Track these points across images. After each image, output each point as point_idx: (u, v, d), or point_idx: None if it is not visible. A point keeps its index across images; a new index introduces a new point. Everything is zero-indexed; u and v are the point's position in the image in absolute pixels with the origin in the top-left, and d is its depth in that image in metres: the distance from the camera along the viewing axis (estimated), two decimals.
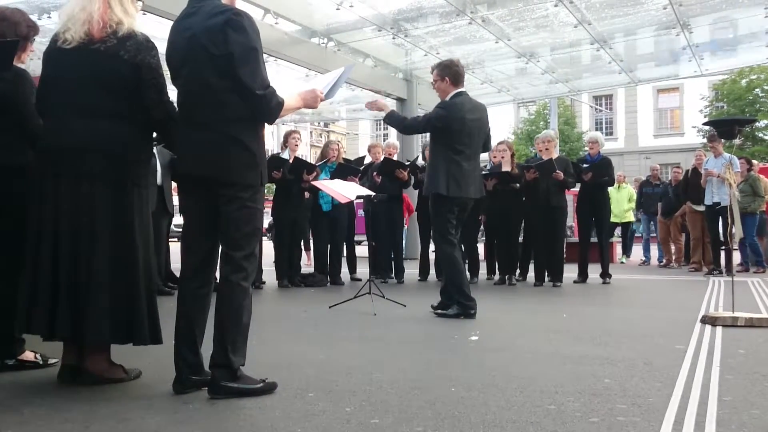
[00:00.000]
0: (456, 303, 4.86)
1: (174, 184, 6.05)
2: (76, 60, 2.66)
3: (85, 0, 2.69)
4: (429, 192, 4.96)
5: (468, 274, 6.57)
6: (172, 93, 2.77)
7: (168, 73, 2.75)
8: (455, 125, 4.84)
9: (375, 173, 7.66)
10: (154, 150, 5.65)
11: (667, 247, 11.04)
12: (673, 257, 10.96)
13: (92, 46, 2.65)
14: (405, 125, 5.31)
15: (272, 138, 29.40)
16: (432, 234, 5.22)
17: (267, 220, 9.32)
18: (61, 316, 2.59)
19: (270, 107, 2.61)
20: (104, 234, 2.63)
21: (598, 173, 7.67)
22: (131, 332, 2.67)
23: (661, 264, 11.09)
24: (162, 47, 2.76)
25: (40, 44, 3.30)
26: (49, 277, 2.61)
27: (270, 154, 7.19)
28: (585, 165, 7.86)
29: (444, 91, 4.99)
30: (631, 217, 11.94)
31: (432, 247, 8.20)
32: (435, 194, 4.89)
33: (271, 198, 7.59)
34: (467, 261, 7.23)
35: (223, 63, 2.53)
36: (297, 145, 7.45)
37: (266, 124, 2.77)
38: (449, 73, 4.96)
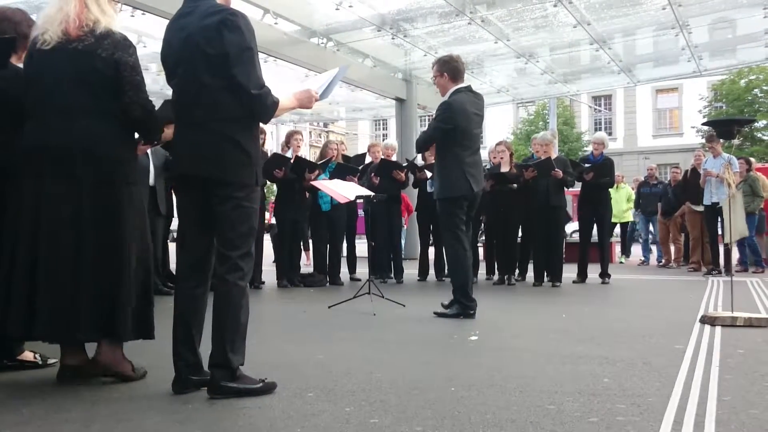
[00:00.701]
0: (456, 302, 4.86)
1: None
2: (55, 60, 2.67)
3: (62, 0, 2.70)
4: (443, 195, 4.91)
5: None
6: (168, 92, 2.77)
7: (164, 72, 2.75)
8: (461, 121, 4.85)
9: (373, 174, 7.66)
10: (147, 150, 5.64)
11: (666, 247, 11.03)
12: (673, 257, 10.96)
13: (70, 46, 2.66)
14: (419, 144, 5.30)
15: (272, 139, 29.40)
16: (441, 231, 5.24)
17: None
18: (41, 316, 2.58)
19: (265, 106, 2.62)
20: (89, 233, 2.63)
21: (599, 173, 7.67)
22: (112, 327, 2.66)
23: (660, 264, 11.09)
24: (159, 47, 2.76)
25: None
26: (29, 278, 2.60)
27: (272, 153, 7.19)
28: (587, 165, 7.85)
29: (444, 87, 5.02)
30: (630, 217, 11.94)
31: (431, 247, 8.26)
32: (451, 197, 4.88)
33: (273, 198, 7.58)
34: None
35: (218, 62, 2.53)
36: (299, 146, 7.45)
37: (262, 124, 2.77)
38: (448, 68, 4.97)
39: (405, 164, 7.96)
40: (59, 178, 2.64)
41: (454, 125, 4.84)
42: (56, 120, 2.66)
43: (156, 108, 2.85)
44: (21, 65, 3.06)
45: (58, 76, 2.66)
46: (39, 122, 2.70)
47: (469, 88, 5.03)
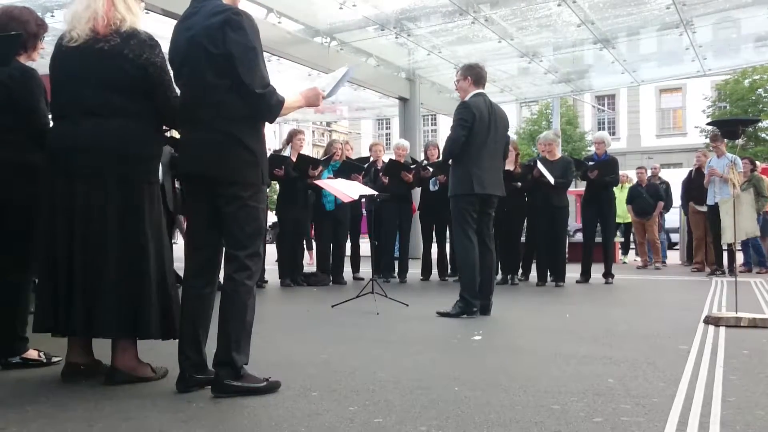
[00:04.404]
0: (459, 299, 4.86)
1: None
2: (82, 60, 2.69)
3: None
4: (450, 192, 5.06)
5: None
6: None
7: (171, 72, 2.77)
8: (476, 121, 4.93)
9: (381, 174, 7.64)
10: None
11: (643, 248, 10.93)
12: (649, 259, 10.79)
13: (96, 46, 2.68)
14: (447, 150, 5.14)
15: (275, 137, 29.40)
16: (452, 229, 5.25)
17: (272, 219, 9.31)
18: (75, 313, 2.62)
19: (270, 106, 2.62)
20: (114, 233, 2.65)
21: (604, 171, 7.65)
22: (137, 325, 2.68)
23: (639, 266, 10.89)
24: (166, 47, 2.77)
25: (49, 43, 3.31)
26: (65, 277, 2.64)
27: (271, 152, 7.18)
28: (591, 163, 7.83)
29: (465, 91, 5.13)
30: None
31: (434, 246, 8.26)
32: (457, 194, 4.98)
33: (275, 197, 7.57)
34: None
35: (222, 62, 2.54)
36: (301, 146, 7.44)
37: (267, 123, 2.78)
38: (472, 73, 5.12)
39: (413, 165, 7.92)
40: (89, 178, 2.66)
41: (471, 124, 4.92)
42: (85, 120, 2.68)
43: None
44: (30, 64, 3.08)
45: (86, 76, 2.68)
46: (67, 123, 2.73)
47: (485, 95, 5.12)
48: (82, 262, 2.63)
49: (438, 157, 7.44)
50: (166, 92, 2.76)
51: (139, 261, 2.69)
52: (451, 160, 5.15)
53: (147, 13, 7.90)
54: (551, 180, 7.17)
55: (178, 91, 2.76)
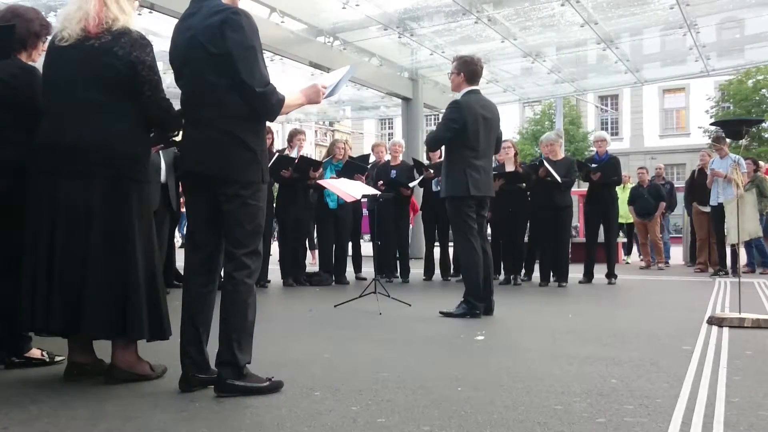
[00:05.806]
0: (464, 301, 4.86)
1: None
2: (72, 57, 2.68)
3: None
4: (446, 194, 4.98)
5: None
6: (176, 91, 2.78)
7: (172, 72, 2.76)
8: (469, 122, 4.85)
9: (380, 183, 7.65)
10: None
11: (646, 249, 10.92)
12: (652, 259, 10.76)
13: (87, 43, 2.67)
14: (429, 143, 5.21)
15: (278, 137, 29.45)
16: (452, 234, 5.23)
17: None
18: (56, 312, 2.60)
19: (270, 104, 2.62)
20: (100, 231, 2.64)
21: (607, 173, 7.64)
22: (125, 325, 2.66)
23: (642, 267, 10.85)
24: (168, 46, 2.77)
25: None
26: (46, 275, 2.62)
27: (277, 153, 7.19)
28: (593, 165, 7.82)
29: (457, 86, 5.05)
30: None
31: (437, 246, 8.25)
32: (454, 196, 4.91)
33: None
34: None
35: (222, 62, 2.54)
36: (302, 147, 7.45)
37: (269, 125, 2.78)
38: (466, 69, 5.00)
39: (412, 181, 7.94)
40: (73, 176, 2.64)
41: (463, 124, 4.85)
42: (71, 117, 2.67)
43: (173, 106, 2.84)
44: (31, 63, 3.08)
45: (74, 74, 2.67)
46: (54, 119, 2.72)
47: (479, 93, 5.06)
48: (65, 261, 2.61)
49: (440, 157, 7.44)
50: (153, 92, 2.73)
51: (125, 261, 2.67)
52: (444, 161, 5.08)
53: (150, 12, 7.96)
54: (558, 179, 7.16)
55: (179, 91, 2.76)
